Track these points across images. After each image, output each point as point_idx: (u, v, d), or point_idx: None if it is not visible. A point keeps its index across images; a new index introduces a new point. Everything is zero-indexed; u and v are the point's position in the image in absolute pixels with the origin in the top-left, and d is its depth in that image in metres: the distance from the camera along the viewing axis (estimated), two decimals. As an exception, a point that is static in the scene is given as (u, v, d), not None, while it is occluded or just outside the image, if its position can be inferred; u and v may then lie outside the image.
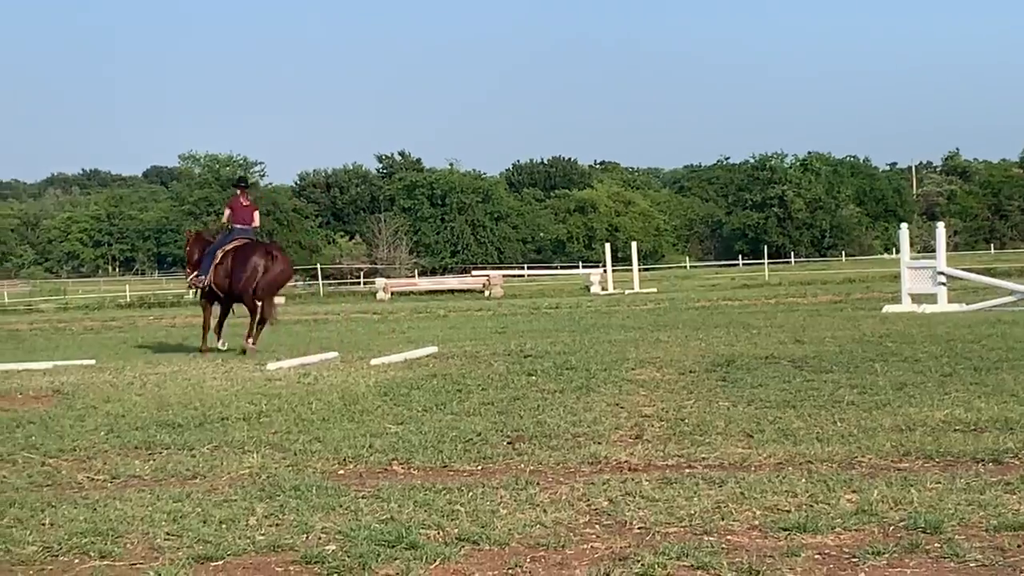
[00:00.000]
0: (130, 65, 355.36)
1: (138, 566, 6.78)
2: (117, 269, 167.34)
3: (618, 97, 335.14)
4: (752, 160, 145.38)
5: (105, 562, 6.88)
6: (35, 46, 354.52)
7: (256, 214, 23.88)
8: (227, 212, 23.75)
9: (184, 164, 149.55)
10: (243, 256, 22.49)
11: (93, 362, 20.16)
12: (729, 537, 6.92)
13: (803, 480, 8.19)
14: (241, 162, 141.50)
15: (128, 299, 62.60)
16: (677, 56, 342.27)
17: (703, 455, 9.33)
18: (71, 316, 47.34)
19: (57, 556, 7.04)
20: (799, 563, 6.41)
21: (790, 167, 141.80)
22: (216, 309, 23.59)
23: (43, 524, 7.76)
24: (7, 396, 15.08)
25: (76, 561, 6.95)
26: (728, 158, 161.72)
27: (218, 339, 23.09)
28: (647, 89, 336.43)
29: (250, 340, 22.16)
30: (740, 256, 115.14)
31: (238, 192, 24.22)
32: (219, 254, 22.88)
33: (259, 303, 22.33)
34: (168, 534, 7.41)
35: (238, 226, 23.31)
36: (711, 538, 6.89)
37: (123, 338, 30.12)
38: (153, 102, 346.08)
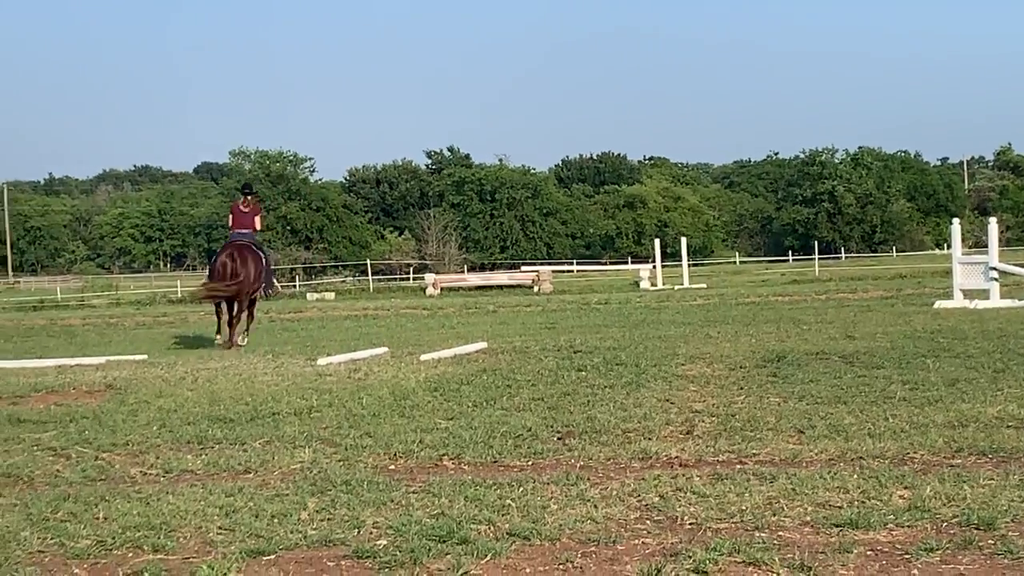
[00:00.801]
0: (181, 62, 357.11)
1: (191, 560, 6.82)
2: (168, 265, 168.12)
3: (667, 92, 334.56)
4: (802, 155, 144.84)
5: (158, 556, 6.92)
6: (88, 43, 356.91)
7: (257, 219, 24.95)
8: (229, 218, 25.23)
9: (234, 160, 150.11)
10: (217, 257, 24.30)
11: (145, 357, 20.26)
12: (781, 533, 6.90)
13: (855, 476, 8.16)
14: (291, 158, 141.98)
15: (179, 295, 62.85)
16: (726, 50, 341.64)
17: (754, 451, 9.30)
18: (123, 312, 47.58)
19: (111, 550, 7.08)
20: (851, 559, 6.38)
21: (841, 162, 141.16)
22: (224, 307, 24.36)
23: (97, 518, 7.81)
24: (61, 391, 15.18)
25: (130, 555, 6.99)
26: (778, 153, 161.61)
27: (227, 335, 23.93)
28: (696, 84, 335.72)
29: (240, 339, 23.81)
30: (790, 252, 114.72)
31: (240, 199, 25.29)
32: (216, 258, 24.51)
33: (237, 300, 23.83)
34: (221, 528, 7.44)
35: (236, 231, 24.61)
36: (763, 534, 6.87)
37: (174, 333, 30.26)
38: (204, 98, 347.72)
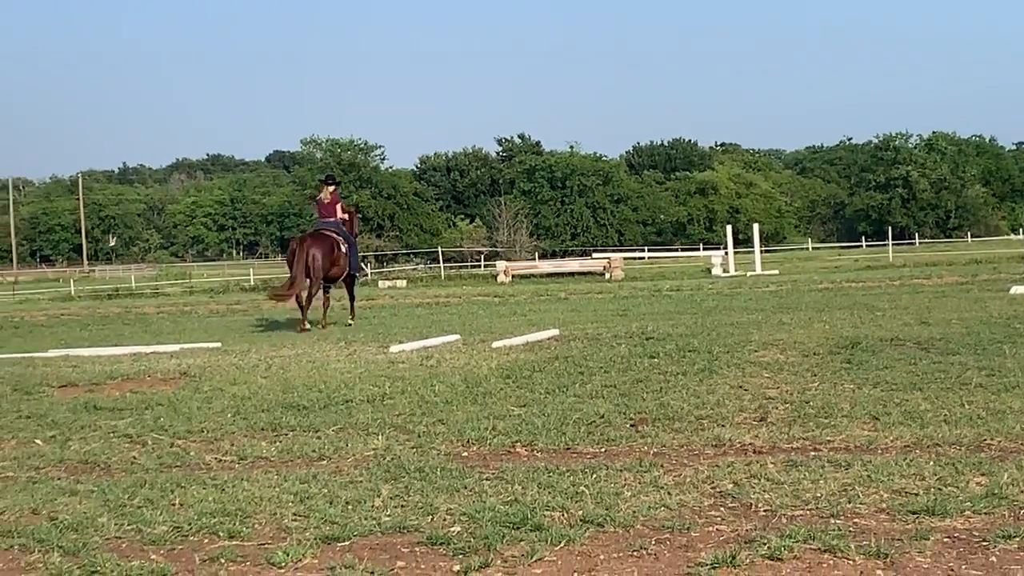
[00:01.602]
0: (253, 51, 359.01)
1: (266, 546, 6.86)
2: (241, 253, 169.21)
3: (739, 78, 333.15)
4: (876, 140, 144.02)
5: (234, 542, 6.97)
6: (162, 34, 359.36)
7: (338, 207, 26.69)
8: (315, 210, 27.25)
9: (306, 149, 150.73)
10: (290, 246, 25.99)
11: (219, 345, 20.40)
12: (856, 520, 6.86)
13: (931, 463, 8.10)
14: (362, 146, 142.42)
15: (252, 282, 63.23)
16: (797, 35, 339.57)
17: (828, 437, 9.25)
18: (196, 300, 47.88)
19: (187, 536, 7.14)
20: (928, 546, 6.34)
21: (915, 147, 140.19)
22: (317, 292, 25.70)
23: (173, 504, 7.87)
24: (137, 378, 15.30)
25: (206, 541, 7.04)
26: (851, 138, 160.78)
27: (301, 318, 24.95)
28: (768, 69, 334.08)
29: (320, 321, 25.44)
30: (863, 237, 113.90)
31: (321, 190, 27.30)
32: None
33: (320, 285, 25.40)
34: (295, 515, 7.48)
35: (321, 220, 26.61)
36: (838, 521, 6.84)
37: (247, 321, 30.43)
38: (275, 87, 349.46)
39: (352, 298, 27.16)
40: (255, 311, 36.28)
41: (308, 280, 25.08)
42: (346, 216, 26.94)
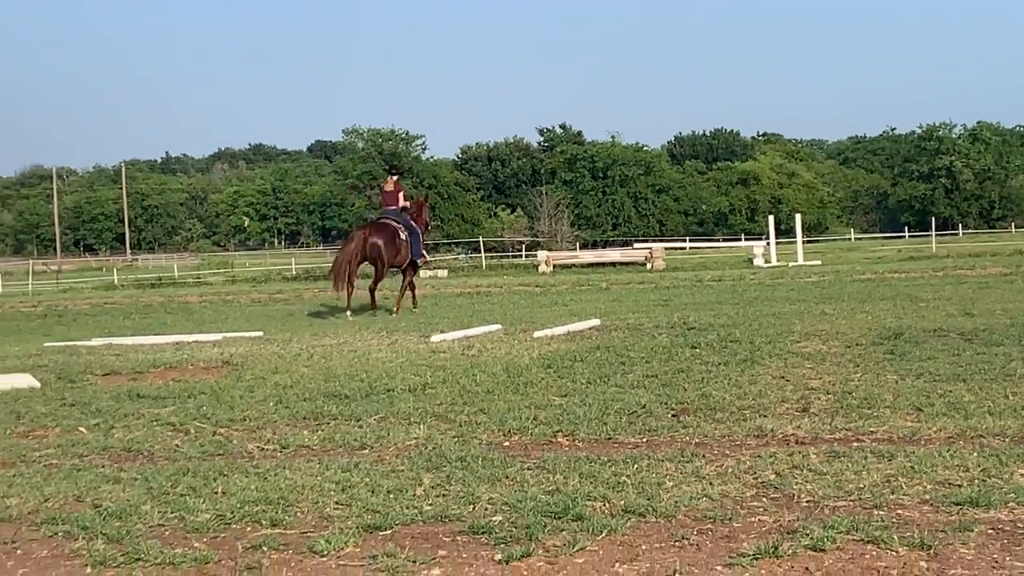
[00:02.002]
0: (295, 41, 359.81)
1: (308, 534, 6.88)
2: (283, 242, 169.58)
3: (781, 68, 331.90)
4: (919, 130, 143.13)
5: (276, 530, 6.99)
6: (203, 24, 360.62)
7: (400, 195, 27.76)
8: (380, 198, 28.61)
9: (347, 138, 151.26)
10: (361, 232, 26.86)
11: (261, 334, 20.48)
12: (899, 511, 6.84)
13: (975, 454, 8.06)
14: (403, 136, 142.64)
15: (294, 272, 63.38)
16: (840, 24, 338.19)
17: (871, 428, 9.22)
18: (239, 289, 48.06)
19: (230, 524, 7.16)
20: (972, 538, 6.31)
21: (958, 137, 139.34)
22: (383, 279, 26.94)
23: (216, 492, 7.90)
24: (179, 367, 15.37)
25: (248, 529, 7.07)
26: (894, 128, 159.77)
27: (347, 305, 26.07)
28: (810, 59, 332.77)
29: (373, 309, 26.51)
30: (906, 228, 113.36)
31: (385, 179, 28.97)
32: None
33: (384, 271, 26.58)
34: (337, 503, 7.50)
35: (384, 209, 27.69)
36: (881, 512, 6.81)
37: (289, 310, 30.53)
38: (317, 77, 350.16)
39: (413, 285, 28.06)
40: (296, 300, 36.40)
41: (377, 267, 26.22)
42: (408, 204, 27.91)
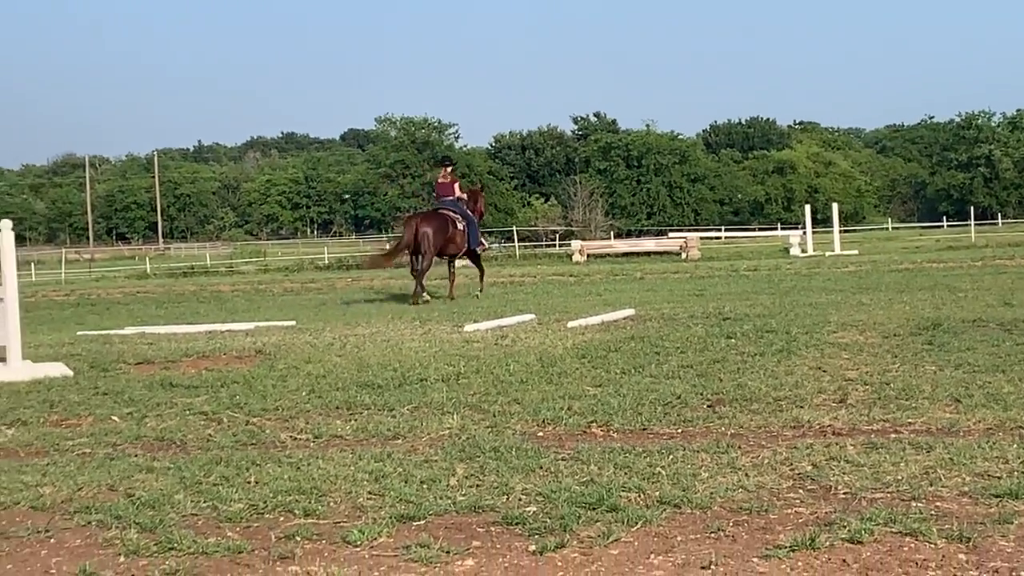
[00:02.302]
0: (326, 30, 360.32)
1: (342, 524, 6.89)
2: (315, 231, 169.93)
3: (817, 56, 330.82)
4: (958, 118, 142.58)
5: (310, 520, 7.00)
6: (237, 13, 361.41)
7: (456, 186, 28.62)
8: (434, 188, 29.45)
9: (380, 127, 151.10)
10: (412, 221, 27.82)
11: (293, 323, 20.52)
12: (938, 503, 6.81)
13: (1015, 446, 8.03)
14: (436, 124, 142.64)
15: (326, 261, 63.49)
16: (876, 12, 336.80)
17: (909, 420, 9.18)
18: (271, 278, 48.21)
19: (262, 514, 7.18)
20: (1011, 530, 6.28)
21: (998, 125, 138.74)
22: (429, 267, 27.66)
23: (248, 482, 7.92)
24: (212, 356, 15.42)
25: (281, 519, 7.08)
26: (932, 117, 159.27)
27: (420, 290, 26.59)
28: (847, 47, 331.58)
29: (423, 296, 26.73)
30: (944, 217, 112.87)
31: (440, 170, 29.87)
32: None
33: (431, 260, 27.30)
34: (370, 493, 7.51)
35: (440, 199, 28.48)
36: (919, 504, 6.79)
37: (322, 300, 30.59)
38: (350, 65, 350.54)
39: (481, 270, 29.72)
40: (329, 290, 36.46)
41: (420, 256, 26.76)
42: (465, 195, 28.80)
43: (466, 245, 28.20)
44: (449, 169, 29.45)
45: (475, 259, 29.69)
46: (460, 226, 27.80)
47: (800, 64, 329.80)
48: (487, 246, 32.59)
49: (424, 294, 26.51)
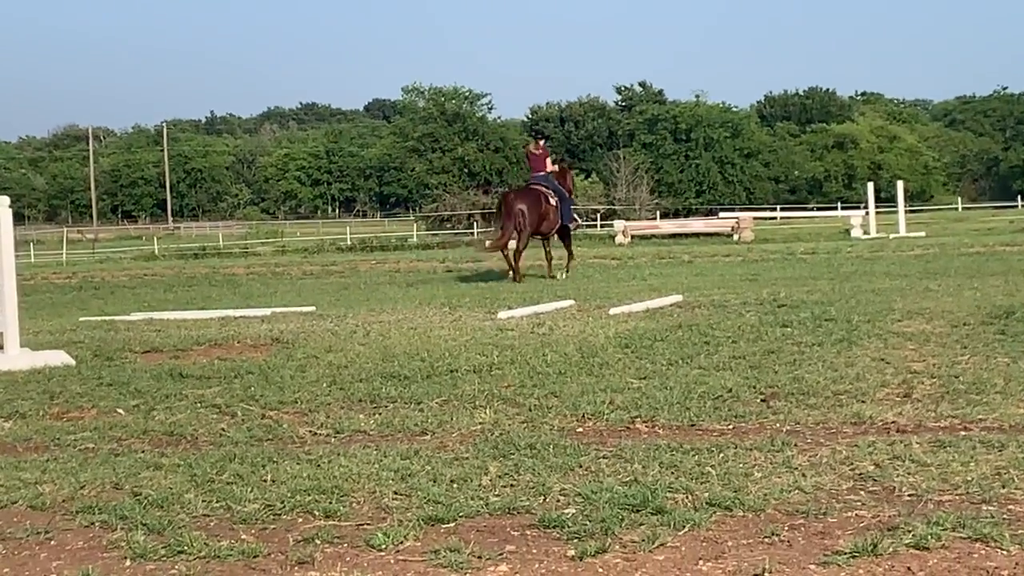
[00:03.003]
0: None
1: (365, 527, 6.90)
2: (336, 210, 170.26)
3: (881, 21, 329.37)
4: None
5: (330, 522, 7.01)
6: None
7: (548, 161, 30.03)
8: (527, 163, 30.89)
9: (407, 97, 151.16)
10: (502, 200, 29.27)
11: (313, 309, 20.58)
12: (1011, 507, 6.79)
13: (1094, 445, 8.00)
14: (467, 95, 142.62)
15: (349, 242, 63.68)
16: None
17: (980, 416, 9.15)
18: (289, 260, 48.33)
19: (279, 515, 7.19)
20: (1091, 536, 6.27)
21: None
22: (526, 245, 29.23)
23: (264, 480, 7.94)
24: (225, 344, 15.47)
25: (300, 520, 7.09)
26: (1006, 88, 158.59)
27: (516, 270, 28.32)
28: (914, 11, 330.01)
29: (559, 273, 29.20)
30: (1019, 197, 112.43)
31: (531, 143, 31.07)
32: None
33: (528, 238, 28.71)
34: (396, 493, 7.52)
35: (533, 175, 29.84)
36: (990, 507, 6.77)
37: (344, 284, 30.66)
38: (374, 30, 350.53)
39: (570, 252, 30.86)
40: (352, 273, 36.55)
41: (517, 234, 28.20)
42: (556, 169, 30.23)
43: (559, 221, 29.34)
44: (542, 142, 30.68)
45: (566, 237, 30.70)
46: (553, 202, 28.96)
47: (862, 30, 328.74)
48: (580, 223, 33.82)
49: (519, 275, 28.10)
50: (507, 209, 28.10)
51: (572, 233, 32.07)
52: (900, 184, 56.43)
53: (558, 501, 7.22)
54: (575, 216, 31.48)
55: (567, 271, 29.73)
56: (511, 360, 12.81)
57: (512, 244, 28.48)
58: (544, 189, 29.00)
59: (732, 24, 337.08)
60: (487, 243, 29.37)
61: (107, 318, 20.47)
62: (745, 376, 11.26)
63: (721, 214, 67.35)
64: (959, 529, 6.35)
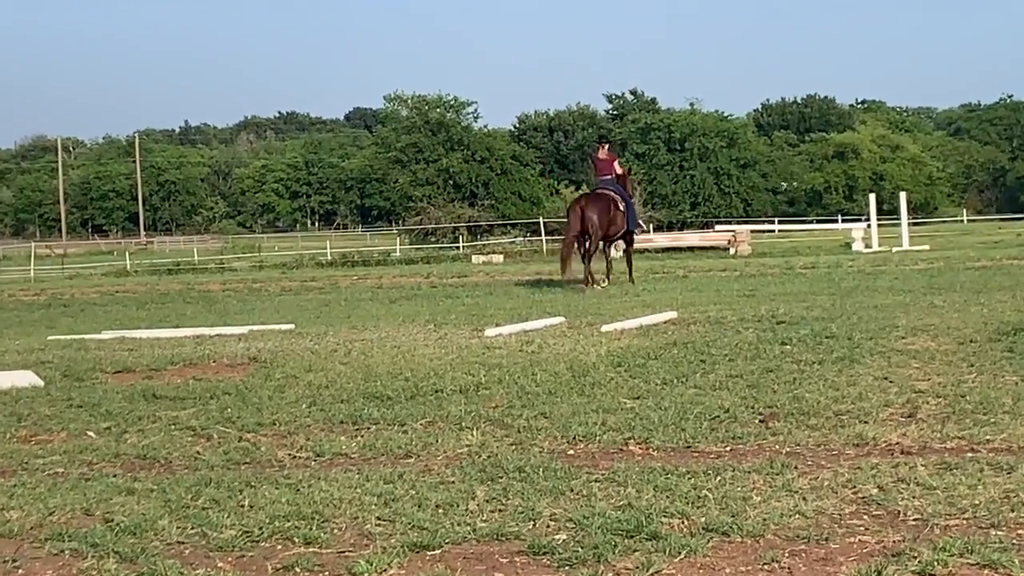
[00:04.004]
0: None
1: (347, 554, 6.90)
2: (316, 223, 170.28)
3: (882, 26, 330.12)
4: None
5: (311, 549, 7.01)
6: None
7: (616, 164, 31.12)
8: (592, 168, 32.34)
9: (389, 106, 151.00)
10: (572, 207, 30.58)
11: (292, 327, 20.57)
12: (1020, 531, 6.81)
13: (1107, 467, 8.02)
14: (452, 103, 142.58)
15: (329, 257, 63.66)
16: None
17: (988, 437, 9.17)
18: (267, 275, 48.34)
19: (258, 542, 7.19)
20: (1103, 562, 6.28)
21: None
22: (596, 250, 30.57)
23: (242, 506, 7.94)
24: (200, 364, 15.47)
25: (279, 547, 7.09)
26: (1011, 96, 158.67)
27: (589, 275, 29.61)
28: (915, 16, 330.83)
29: (602, 281, 30.05)
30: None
31: (597, 147, 32.15)
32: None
33: (598, 243, 30.07)
34: (379, 519, 7.52)
35: (599, 178, 31.05)
36: (999, 532, 6.78)
37: (324, 300, 30.66)
38: (355, 37, 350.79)
39: (630, 259, 32.59)
40: (332, 289, 36.56)
41: (587, 240, 29.41)
42: (621, 172, 31.49)
43: (625, 227, 30.65)
44: (607, 147, 31.79)
45: (629, 242, 32.34)
46: (621, 207, 30.17)
47: (863, 36, 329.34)
48: (644, 228, 34.96)
49: (603, 277, 30.11)
50: (574, 216, 29.27)
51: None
52: (903, 195, 56.52)
53: (548, 527, 7.22)
54: (640, 223, 33.53)
55: (630, 278, 31.40)
56: (499, 379, 12.82)
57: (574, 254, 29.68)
58: (613, 194, 30.17)
59: (726, 30, 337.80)
60: (564, 255, 30.09)
61: (77, 337, 20.44)
62: (743, 396, 11.28)
63: (717, 227, 67.60)
64: (966, 555, 6.37)
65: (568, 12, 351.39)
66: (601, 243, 30.67)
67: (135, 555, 6.96)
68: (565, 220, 31.62)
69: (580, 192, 31.61)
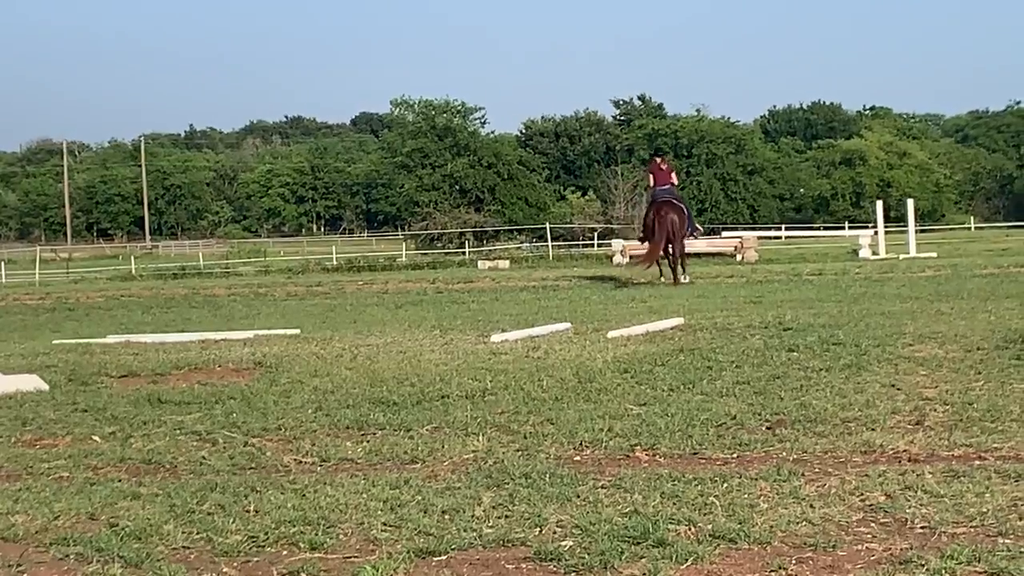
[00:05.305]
0: (336, 2, 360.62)
1: (352, 560, 6.90)
2: (322, 228, 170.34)
3: (889, 33, 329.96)
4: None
5: (316, 554, 7.01)
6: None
7: (673, 175, 34.10)
8: (650, 178, 34.14)
9: (396, 111, 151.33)
10: (647, 216, 33.33)
11: (298, 332, 20.56)
12: (1028, 540, 6.80)
13: (1115, 475, 8.01)
14: (459, 108, 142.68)
15: (335, 261, 63.65)
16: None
17: (995, 445, 9.16)
18: (272, 280, 48.30)
19: (263, 547, 7.19)
20: (1112, 571, 6.27)
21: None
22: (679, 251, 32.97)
23: (247, 511, 7.94)
24: (206, 368, 15.47)
25: (284, 552, 7.09)
26: (1020, 102, 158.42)
27: (670, 276, 32.66)
28: (923, 22, 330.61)
29: (682, 277, 32.73)
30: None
31: (656, 160, 34.74)
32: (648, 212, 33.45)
33: (682, 245, 32.93)
34: (385, 525, 7.52)
35: (659, 188, 33.09)
36: (1007, 540, 6.78)
37: (330, 305, 30.64)
38: (362, 41, 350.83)
39: (685, 260, 34.06)
40: (338, 294, 36.54)
41: (670, 244, 31.96)
42: (676, 182, 34.42)
43: (685, 232, 32.97)
44: (664, 159, 34.89)
45: (684, 247, 33.72)
46: (685, 213, 32.88)
47: (869, 42, 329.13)
48: (700, 231, 40.37)
49: (684, 274, 32.69)
50: (660, 221, 31.54)
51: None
52: (910, 202, 56.46)
53: (555, 533, 7.22)
54: (697, 226, 35.88)
55: (686, 278, 33.06)
56: (505, 385, 12.81)
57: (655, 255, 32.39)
58: (677, 201, 32.97)
59: (733, 36, 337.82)
60: (643, 258, 33.27)
61: (82, 341, 20.44)
62: (750, 402, 11.27)
63: (724, 233, 67.42)
64: (974, 563, 6.36)
65: (575, 18, 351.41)
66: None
67: (140, 560, 6.97)
68: (645, 227, 33.38)
69: (652, 202, 32.83)
